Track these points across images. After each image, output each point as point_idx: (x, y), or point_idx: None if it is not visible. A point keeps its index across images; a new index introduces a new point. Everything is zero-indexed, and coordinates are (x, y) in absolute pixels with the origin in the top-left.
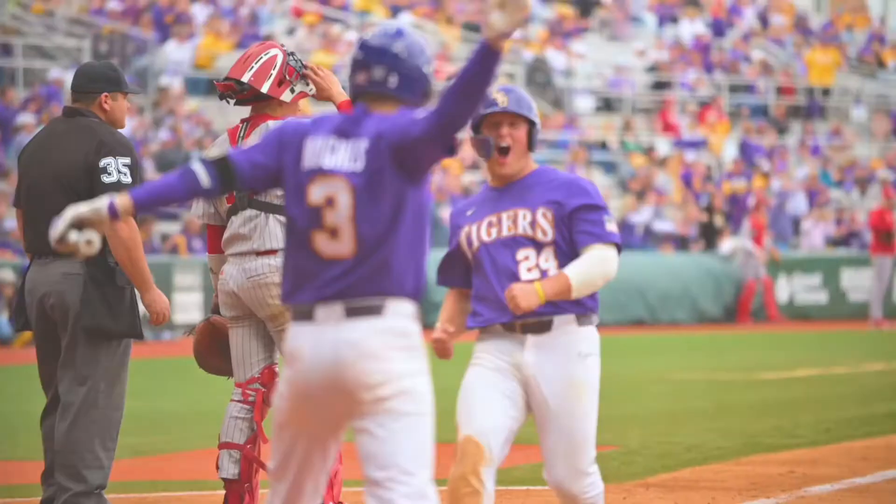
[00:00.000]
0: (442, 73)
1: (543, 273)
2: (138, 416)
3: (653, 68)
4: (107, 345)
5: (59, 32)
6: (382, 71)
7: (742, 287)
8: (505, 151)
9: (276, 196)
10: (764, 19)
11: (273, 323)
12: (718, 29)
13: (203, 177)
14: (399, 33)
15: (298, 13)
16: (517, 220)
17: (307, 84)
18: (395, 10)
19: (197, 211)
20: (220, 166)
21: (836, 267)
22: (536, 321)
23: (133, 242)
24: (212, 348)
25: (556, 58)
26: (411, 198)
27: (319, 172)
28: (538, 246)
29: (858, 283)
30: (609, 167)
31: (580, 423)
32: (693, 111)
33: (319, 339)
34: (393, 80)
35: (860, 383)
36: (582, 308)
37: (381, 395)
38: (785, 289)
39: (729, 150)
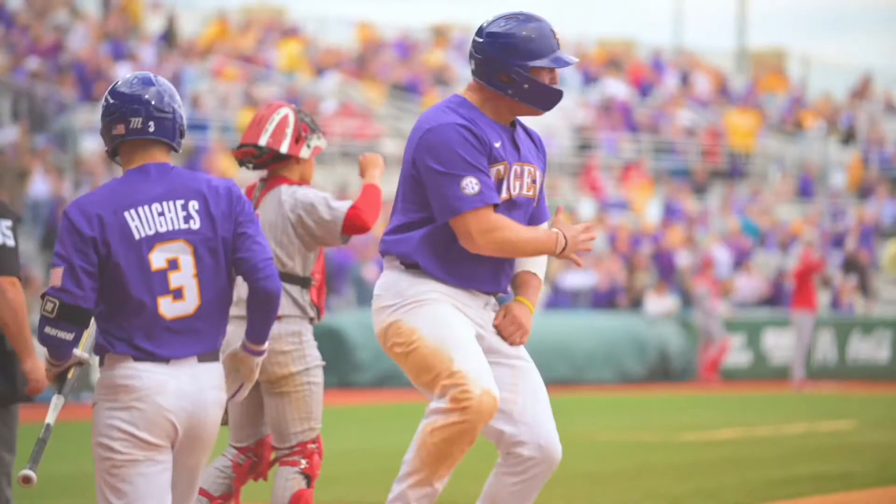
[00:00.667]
0: (366, 134)
1: None
2: (59, 480)
3: (577, 129)
4: (3, 412)
5: None
6: (140, 119)
7: (663, 349)
8: None
9: (280, 264)
10: (686, 82)
11: (272, 386)
12: (642, 90)
13: (64, 335)
14: (149, 81)
15: (219, 73)
16: (536, 181)
17: (320, 138)
18: (320, 70)
19: None
20: (67, 315)
21: (758, 329)
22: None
23: (20, 304)
24: None
25: None
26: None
27: (157, 239)
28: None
29: (781, 344)
30: None
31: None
32: (617, 172)
33: (179, 377)
34: (151, 126)
35: (782, 445)
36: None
37: (210, 443)
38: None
39: (652, 212)
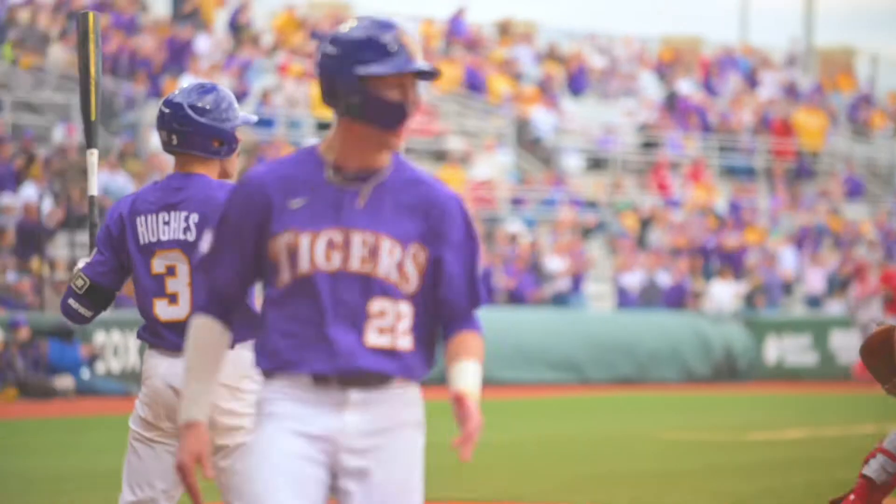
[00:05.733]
0: (431, 131)
1: (398, 340)
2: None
3: (643, 127)
4: None
5: (49, 87)
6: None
7: (729, 348)
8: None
9: None
10: (752, 80)
11: None
12: (709, 89)
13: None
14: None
15: (286, 69)
16: (378, 255)
17: None
18: None
19: None
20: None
21: (825, 328)
22: (368, 374)
23: None
24: (882, 350)
25: (544, 116)
26: None
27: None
28: (396, 297)
29: (848, 344)
30: (599, 226)
31: None
32: (683, 171)
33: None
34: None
35: (851, 445)
36: (427, 367)
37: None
38: (774, 350)
39: (719, 209)
